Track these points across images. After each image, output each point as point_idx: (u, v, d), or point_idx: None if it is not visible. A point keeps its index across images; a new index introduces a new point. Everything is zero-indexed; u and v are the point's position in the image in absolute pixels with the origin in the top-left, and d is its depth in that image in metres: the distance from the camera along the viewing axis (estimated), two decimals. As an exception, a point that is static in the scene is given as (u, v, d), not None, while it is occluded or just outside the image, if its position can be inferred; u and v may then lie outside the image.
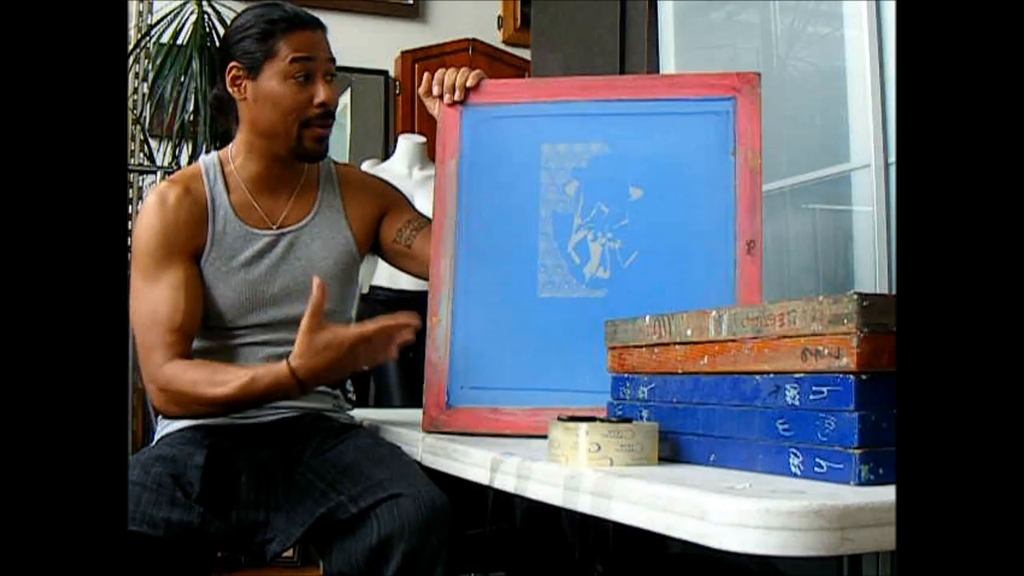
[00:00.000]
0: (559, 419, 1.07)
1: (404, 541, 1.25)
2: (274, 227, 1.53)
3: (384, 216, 1.63)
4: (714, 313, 1.02)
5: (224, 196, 1.51)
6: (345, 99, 4.31)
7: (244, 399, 1.36)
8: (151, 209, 1.47)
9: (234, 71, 1.51)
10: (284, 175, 1.54)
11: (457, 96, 1.54)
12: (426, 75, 1.58)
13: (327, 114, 1.49)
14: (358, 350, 1.30)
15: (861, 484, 0.84)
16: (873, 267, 2.12)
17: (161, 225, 1.46)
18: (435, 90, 1.56)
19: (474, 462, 1.21)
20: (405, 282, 3.08)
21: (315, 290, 1.29)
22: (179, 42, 3.32)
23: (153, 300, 1.43)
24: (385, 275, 3.18)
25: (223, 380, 1.36)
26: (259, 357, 1.50)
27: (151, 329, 1.42)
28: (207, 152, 3.07)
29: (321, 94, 1.47)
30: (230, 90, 1.52)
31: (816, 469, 0.88)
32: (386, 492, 1.29)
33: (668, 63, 2.82)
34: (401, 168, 3.25)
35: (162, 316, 1.42)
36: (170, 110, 3.33)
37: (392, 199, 1.66)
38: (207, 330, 1.50)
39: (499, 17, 4.75)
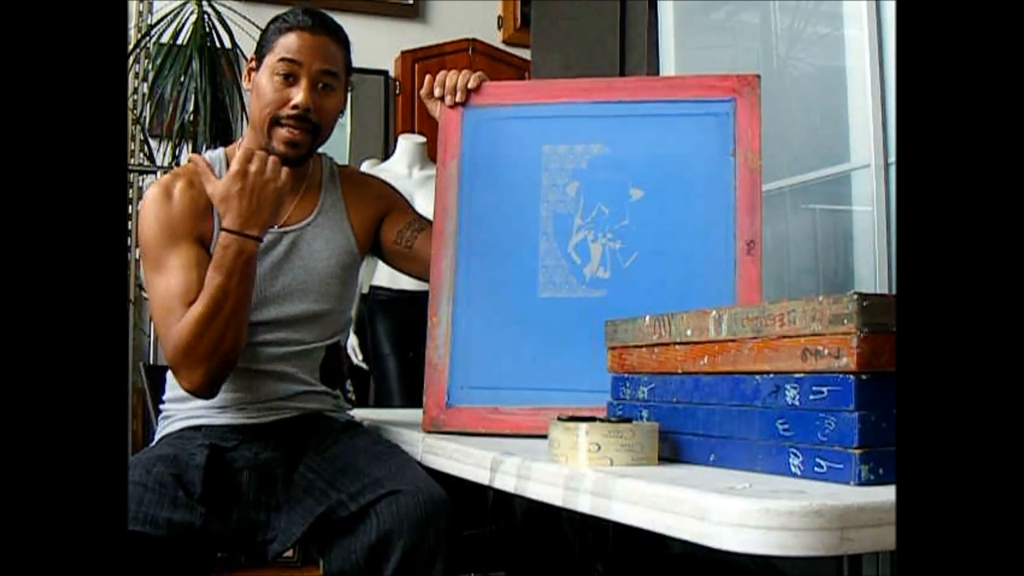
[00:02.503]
0: (559, 419, 1.08)
1: (403, 537, 1.25)
2: (276, 226, 1.53)
3: (385, 217, 1.63)
4: (714, 313, 1.02)
5: None
6: (345, 99, 4.31)
7: (223, 293, 1.36)
8: (154, 200, 1.47)
9: (251, 62, 1.54)
10: (288, 175, 1.54)
11: (459, 98, 1.54)
12: (428, 77, 1.58)
13: (301, 118, 1.47)
14: (254, 178, 1.37)
15: (861, 484, 0.84)
16: (873, 267, 2.12)
17: (165, 214, 1.45)
18: (436, 92, 1.56)
19: (474, 462, 1.21)
20: (405, 282, 3.08)
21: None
22: (179, 42, 3.32)
23: (165, 284, 1.42)
24: (385, 275, 3.18)
25: (199, 299, 1.37)
26: (260, 357, 1.50)
27: (169, 311, 1.40)
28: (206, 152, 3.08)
29: (298, 97, 1.46)
30: (242, 82, 1.56)
31: (816, 469, 0.88)
32: (385, 489, 1.29)
33: (668, 63, 2.82)
34: (401, 168, 3.25)
35: (177, 295, 1.40)
36: (170, 110, 3.33)
37: (393, 201, 1.66)
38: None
39: (499, 17, 4.76)
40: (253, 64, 1.53)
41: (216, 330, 1.36)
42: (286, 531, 1.38)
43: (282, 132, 1.47)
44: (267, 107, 1.47)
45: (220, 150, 1.58)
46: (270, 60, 1.48)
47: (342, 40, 1.53)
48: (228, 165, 1.53)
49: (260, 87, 1.48)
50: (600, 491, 0.93)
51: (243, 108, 1.46)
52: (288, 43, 1.47)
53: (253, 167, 1.37)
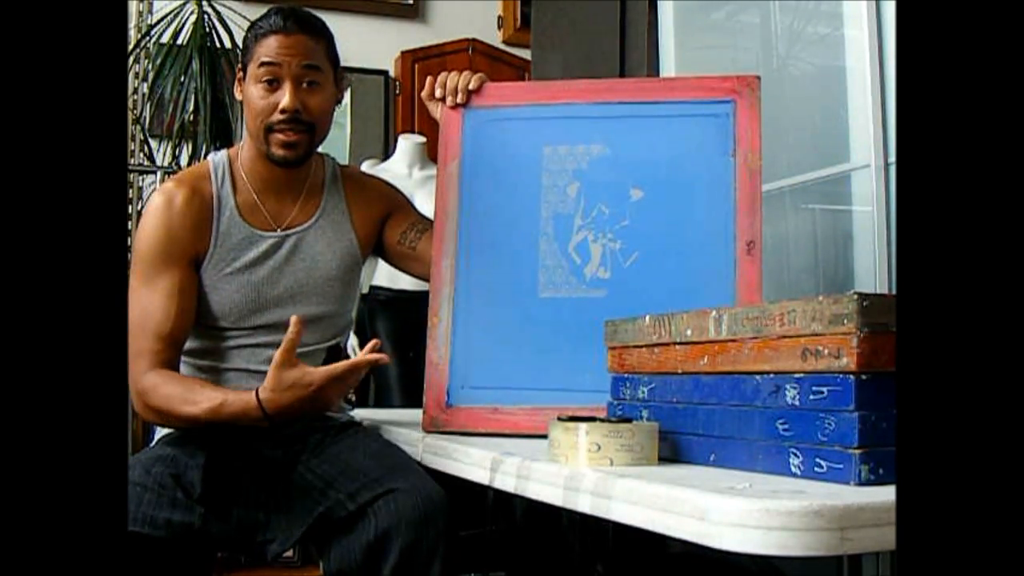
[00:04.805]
0: (559, 419, 1.08)
1: (402, 536, 1.25)
2: (279, 229, 1.53)
3: (388, 218, 1.63)
4: (714, 313, 1.02)
5: (231, 197, 1.51)
6: (345, 99, 4.32)
7: (213, 420, 1.38)
8: (157, 211, 1.47)
9: (239, 72, 1.54)
10: (290, 177, 1.54)
11: (459, 99, 1.54)
12: (428, 79, 1.58)
13: (293, 120, 1.46)
14: (328, 389, 1.34)
15: (861, 484, 0.84)
16: (873, 267, 2.12)
17: (164, 229, 1.46)
18: (437, 93, 1.56)
19: (474, 462, 1.21)
20: (405, 282, 3.08)
21: (291, 328, 1.32)
22: (179, 42, 3.32)
23: (145, 305, 1.43)
24: (385, 275, 3.18)
25: (194, 400, 1.38)
26: (261, 359, 1.50)
27: (139, 334, 1.42)
28: (207, 152, 3.09)
29: (284, 100, 1.45)
30: (235, 91, 1.55)
31: (816, 469, 0.88)
32: (383, 488, 1.29)
33: (668, 63, 2.82)
34: (401, 168, 3.26)
35: (152, 323, 1.43)
36: (170, 110, 3.33)
37: (396, 201, 1.66)
38: (210, 330, 1.50)
39: (499, 17, 4.76)
40: (240, 74, 1.53)
41: (176, 419, 1.42)
42: (286, 531, 1.38)
43: (277, 137, 1.47)
44: (258, 116, 1.47)
45: (223, 152, 1.58)
46: (252, 69, 1.48)
47: (320, 32, 1.51)
48: (231, 168, 1.53)
49: (248, 97, 1.49)
50: (600, 491, 0.93)
51: (243, 109, 1.46)
52: (265, 48, 1.46)
53: (348, 381, 1.36)
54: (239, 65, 1.54)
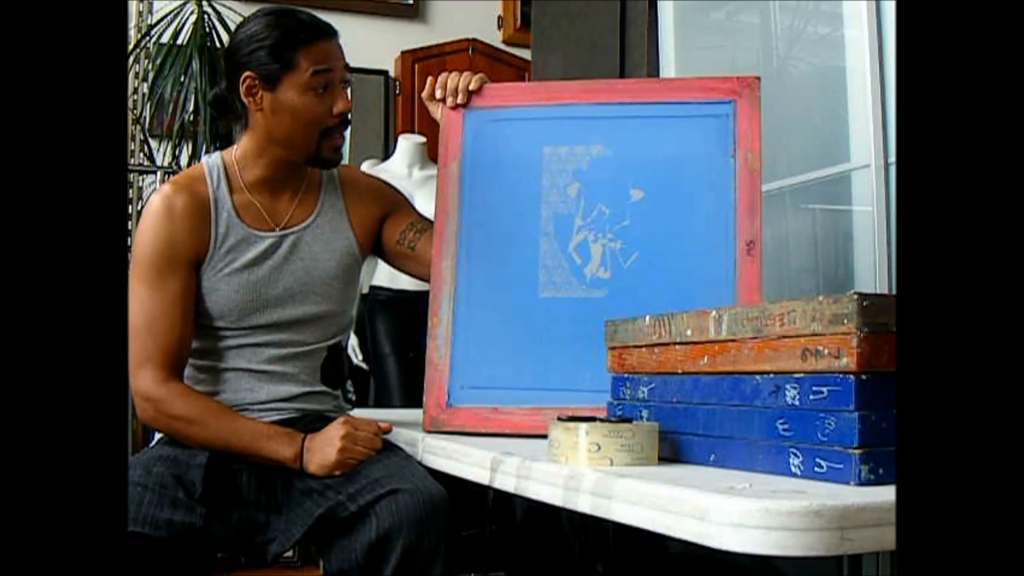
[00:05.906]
0: (559, 419, 1.08)
1: (403, 536, 1.25)
2: (277, 228, 1.53)
3: (386, 218, 1.63)
4: (714, 313, 1.03)
5: (227, 198, 1.51)
6: (345, 99, 4.32)
7: (236, 451, 1.41)
8: (157, 215, 1.46)
9: (249, 81, 1.46)
10: (288, 177, 1.54)
11: (460, 99, 1.55)
12: (429, 79, 1.59)
13: (345, 122, 1.50)
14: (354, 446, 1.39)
15: (861, 484, 0.84)
16: (873, 267, 2.12)
17: (166, 233, 1.45)
18: (438, 94, 1.56)
19: (474, 462, 1.22)
20: (405, 282, 3.08)
21: (382, 432, 1.42)
22: (179, 42, 3.33)
23: (151, 309, 1.43)
24: (385, 275, 3.18)
25: (225, 427, 1.40)
26: (261, 359, 1.50)
27: (147, 338, 1.42)
28: (207, 152, 3.08)
29: (340, 104, 1.47)
30: (244, 100, 1.48)
31: (816, 469, 0.88)
32: (384, 489, 1.29)
33: (668, 63, 2.82)
34: (401, 168, 3.26)
35: (160, 328, 1.42)
36: (170, 110, 3.33)
37: (394, 201, 1.66)
38: (209, 330, 1.50)
39: (499, 17, 4.76)
40: (257, 82, 1.46)
41: (192, 438, 1.42)
42: (286, 532, 1.38)
43: (333, 140, 1.49)
44: (312, 123, 1.46)
45: (216, 154, 1.57)
46: (298, 78, 1.44)
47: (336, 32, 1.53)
48: (226, 170, 1.53)
49: (295, 105, 1.45)
50: (600, 491, 0.93)
51: (263, 116, 1.42)
52: (315, 56, 1.45)
53: (361, 435, 1.39)
54: (248, 72, 1.46)
